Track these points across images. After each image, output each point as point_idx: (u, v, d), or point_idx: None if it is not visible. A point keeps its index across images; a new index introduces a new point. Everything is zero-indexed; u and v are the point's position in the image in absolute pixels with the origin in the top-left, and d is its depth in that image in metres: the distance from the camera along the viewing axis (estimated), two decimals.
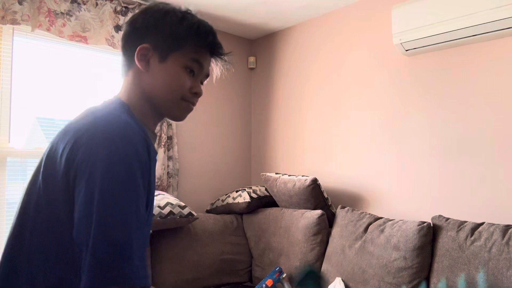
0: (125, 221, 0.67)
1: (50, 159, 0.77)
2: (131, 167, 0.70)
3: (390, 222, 1.99)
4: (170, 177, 2.76)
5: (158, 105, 0.89)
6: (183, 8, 0.92)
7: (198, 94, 0.92)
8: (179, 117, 0.93)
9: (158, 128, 2.69)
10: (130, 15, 2.55)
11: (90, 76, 2.57)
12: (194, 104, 0.93)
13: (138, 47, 0.86)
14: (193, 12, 0.92)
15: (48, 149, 0.80)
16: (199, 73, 0.91)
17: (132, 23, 0.89)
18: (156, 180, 2.64)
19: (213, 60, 0.95)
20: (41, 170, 0.77)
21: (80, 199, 0.68)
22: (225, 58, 0.96)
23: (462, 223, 1.78)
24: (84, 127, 0.75)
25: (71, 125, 0.79)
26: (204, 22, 0.92)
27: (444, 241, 1.78)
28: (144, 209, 0.73)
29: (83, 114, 0.82)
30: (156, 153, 0.87)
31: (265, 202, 2.71)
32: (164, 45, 0.86)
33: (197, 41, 0.89)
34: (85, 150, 0.71)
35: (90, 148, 0.71)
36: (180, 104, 0.90)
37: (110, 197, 0.67)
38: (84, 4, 2.38)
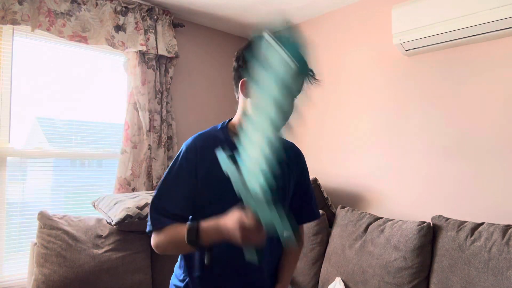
0: (159, 187, 1.14)
1: None
2: (178, 158, 1.14)
3: (390, 222, 1.99)
4: None
5: None
6: None
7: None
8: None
9: (165, 130, 2.69)
10: (130, 15, 2.55)
11: (90, 76, 2.57)
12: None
13: (241, 81, 1.13)
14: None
15: None
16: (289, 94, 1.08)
17: (237, 60, 1.15)
18: (156, 180, 2.64)
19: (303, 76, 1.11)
20: None
21: None
22: (313, 75, 1.13)
23: (462, 223, 1.78)
24: None
25: None
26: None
27: (444, 241, 1.78)
28: (180, 181, 1.12)
29: None
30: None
31: None
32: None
33: None
34: None
35: None
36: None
37: (167, 172, 1.15)
38: (84, 4, 2.38)
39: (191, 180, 1.11)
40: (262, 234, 0.92)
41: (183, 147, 1.15)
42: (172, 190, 1.11)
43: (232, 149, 1.10)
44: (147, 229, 1.12)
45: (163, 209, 1.10)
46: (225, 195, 1.08)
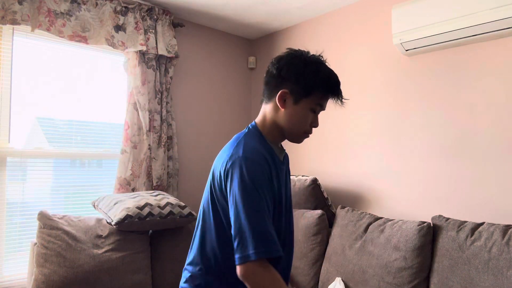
0: (251, 211, 1.03)
1: (213, 177, 1.15)
2: (255, 178, 1.04)
3: (390, 222, 1.99)
4: (170, 177, 2.76)
5: (285, 133, 1.19)
6: (316, 55, 1.18)
7: (315, 127, 1.20)
8: (298, 142, 1.23)
9: (165, 130, 2.69)
10: (130, 15, 2.55)
11: (90, 76, 2.57)
12: (310, 133, 1.22)
13: (281, 91, 1.14)
14: (324, 60, 1.18)
15: (212, 171, 1.18)
16: (319, 111, 1.19)
17: (278, 68, 1.16)
18: (156, 180, 2.65)
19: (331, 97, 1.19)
20: (209, 184, 1.17)
21: (229, 198, 1.07)
22: (343, 99, 1.20)
23: (462, 223, 1.78)
24: (232, 154, 1.11)
25: (225, 151, 1.16)
26: (333, 74, 1.16)
27: (444, 241, 1.78)
28: (269, 200, 1.06)
29: (231, 143, 1.17)
30: (281, 162, 1.21)
31: None
32: (299, 92, 1.13)
33: (325, 91, 1.15)
34: (231, 169, 1.07)
35: (233, 168, 1.07)
36: (302, 136, 1.20)
37: (242, 196, 1.03)
38: (84, 4, 2.38)
39: (272, 193, 1.09)
40: None
41: (252, 162, 1.06)
42: (264, 211, 1.02)
43: (276, 161, 1.17)
44: (240, 262, 0.98)
45: (267, 235, 1.00)
46: (279, 207, 1.16)
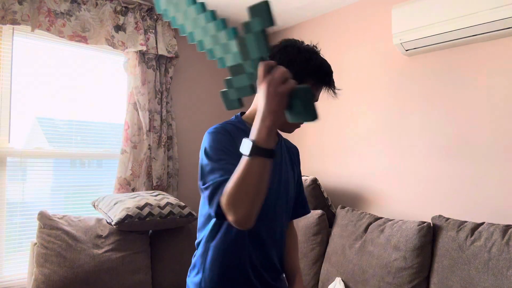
0: (206, 172, 1.05)
1: None
2: (213, 143, 1.08)
3: (390, 222, 1.99)
4: (170, 177, 2.76)
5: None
6: (311, 45, 1.17)
7: None
8: (289, 132, 1.20)
9: (165, 130, 2.69)
10: (130, 15, 2.55)
11: (90, 76, 2.57)
12: (302, 123, 1.16)
13: None
14: (318, 50, 1.17)
15: None
16: None
17: (271, 55, 1.14)
18: (156, 180, 2.64)
19: (324, 87, 1.19)
20: None
21: None
22: (336, 90, 1.19)
23: (462, 223, 1.78)
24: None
25: None
26: (325, 63, 1.16)
27: (444, 241, 1.78)
28: (226, 155, 1.06)
29: None
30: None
31: None
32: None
33: (316, 80, 1.14)
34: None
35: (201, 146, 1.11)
36: (293, 125, 1.16)
37: (202, 163, 1.07)
38: (84, 4, 2.38)
39: (235, 153, 1.04)
40: (279, 70, 0.88)
41: (210, 133, 1.09)
42: (224, 165, 1.01)
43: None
44: (214, 211, 0.97)
45: (223, 183, 0.97)
46: None
